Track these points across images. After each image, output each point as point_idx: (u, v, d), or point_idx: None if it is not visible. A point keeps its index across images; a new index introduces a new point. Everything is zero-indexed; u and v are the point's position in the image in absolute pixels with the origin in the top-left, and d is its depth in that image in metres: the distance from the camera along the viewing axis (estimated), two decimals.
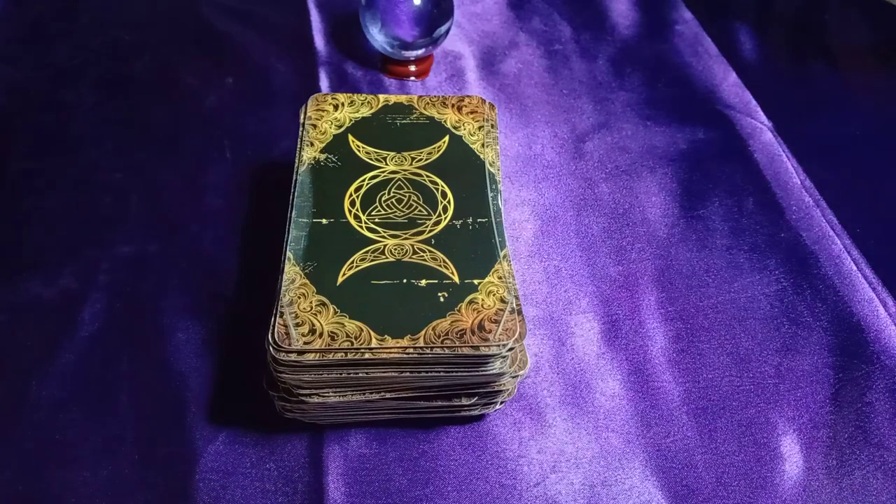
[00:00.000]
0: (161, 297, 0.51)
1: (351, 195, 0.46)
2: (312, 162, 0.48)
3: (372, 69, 0.69)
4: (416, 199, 0.46)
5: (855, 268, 0.55)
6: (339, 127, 0.50)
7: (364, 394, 0.41)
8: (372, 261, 0.43)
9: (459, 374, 0.40)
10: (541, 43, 0.73)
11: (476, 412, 0.44)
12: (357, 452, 0.44)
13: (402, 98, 0.52)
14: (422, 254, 0.43)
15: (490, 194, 0.47)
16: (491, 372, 0.40)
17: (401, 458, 0.44)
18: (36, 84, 0.66)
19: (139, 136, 0.62)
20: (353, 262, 0.43)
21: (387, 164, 0.48)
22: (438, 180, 0.47)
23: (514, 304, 0.41)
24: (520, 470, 0.44)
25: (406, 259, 0.43)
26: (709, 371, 0.49)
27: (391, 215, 0.45)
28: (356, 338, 0.39)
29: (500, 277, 0.42)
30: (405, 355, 0.39)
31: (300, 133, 0.50)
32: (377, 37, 0.65)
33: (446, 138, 0.50)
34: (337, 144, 0.49)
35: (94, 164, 0.59)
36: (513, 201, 0.58)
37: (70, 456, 0.43)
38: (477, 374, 0.40)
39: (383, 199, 0.46)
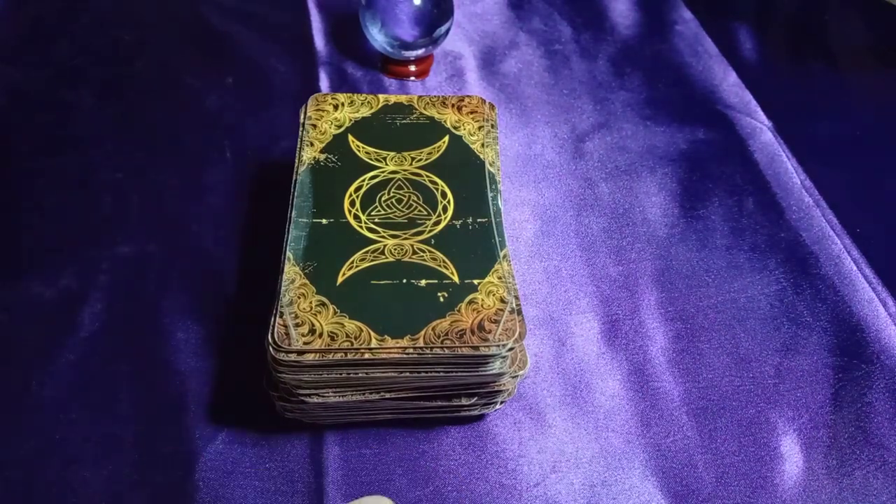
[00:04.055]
0: (161, 297, 0.51)
1: (351, 195, 0.46)
2: (312, 162, 0.48)
3: (372, 69, 0.69)
4: (415, 199, 0.46)
5: (855, 268, 0.55)
6: (339, 127, 0.50)
7: (364, 394, 0.41)
8: (372, 261, 0.43)
9: (459, 374, 0.40)
10: (541, 43, 0.73)
11: (476, 412, 0.44)
12: (357, 452, 0.44)
13: (402, 98, 0.52)
14: (422, 254, 0.43)
15: (490, 194, 0.47)
16: (491, 372, 0.40)
17: (401, 458, 0.44)
18: (36, 84, 0.66)
19: (139, 136, 0.62)
20: (352, 262, 0.43)
21: (387, 164, 0.48)
22: (438, 180, 0.47)
23: (514, 304, 0.41)
24: (520, 470, 0.44)
25: (406, 259, 0.43)
26: (709, 371, 0.49)
27: (391, 215, 0.45)
28: (356, 338, 0.39)
29: (499, 277, 0.42)
30: (405, 355, 0.39)
31: (300, 133, 0.50)
32: (377, 37, 0.65)
33: (446, 138, 0.50)
34: (337, 144, 0.49)
35: (94, 164, 0.59)
36: (513, 201, 0.58)
37: (70, 456, 0.43)
38: (477, 374, 0.40)
39: (383, 199, 0.46)
